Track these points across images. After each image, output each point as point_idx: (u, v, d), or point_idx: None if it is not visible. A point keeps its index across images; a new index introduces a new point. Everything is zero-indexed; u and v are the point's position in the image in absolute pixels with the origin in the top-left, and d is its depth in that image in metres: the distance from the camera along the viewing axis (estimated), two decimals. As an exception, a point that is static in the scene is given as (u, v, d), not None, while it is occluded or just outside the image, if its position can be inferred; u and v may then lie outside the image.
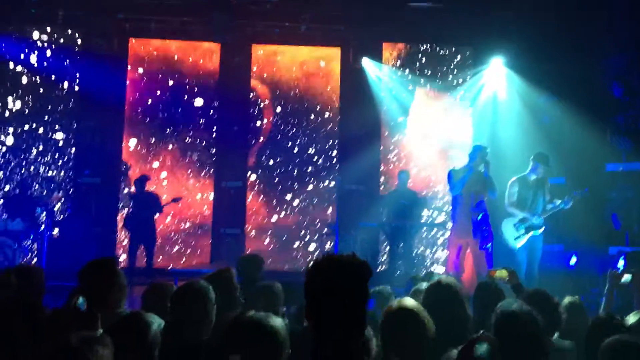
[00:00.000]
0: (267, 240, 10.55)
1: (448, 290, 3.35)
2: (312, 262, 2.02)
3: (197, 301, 3.08)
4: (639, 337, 2.89)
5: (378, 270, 9.91)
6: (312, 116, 10.82)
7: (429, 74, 10.68)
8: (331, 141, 10.76)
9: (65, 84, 10.29)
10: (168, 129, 10.60)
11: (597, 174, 8.44)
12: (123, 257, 9.42)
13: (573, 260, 7.95)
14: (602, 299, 4.38)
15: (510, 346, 2.53)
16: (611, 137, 8.57)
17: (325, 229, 9.89)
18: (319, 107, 10.81)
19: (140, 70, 10.59)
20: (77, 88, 10.24)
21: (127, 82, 10.47)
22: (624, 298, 4.52)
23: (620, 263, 6.91)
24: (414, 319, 2.83)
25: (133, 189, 9.38)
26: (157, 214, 9.26)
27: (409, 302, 2.97)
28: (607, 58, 8.67)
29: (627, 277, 4.10)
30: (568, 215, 7.56)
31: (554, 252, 8.17)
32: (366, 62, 10.38)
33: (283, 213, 10.64)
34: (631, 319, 3.53)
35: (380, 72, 10.45)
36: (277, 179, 10.71)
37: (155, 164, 10.49)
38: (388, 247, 9.50)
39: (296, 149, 10.75)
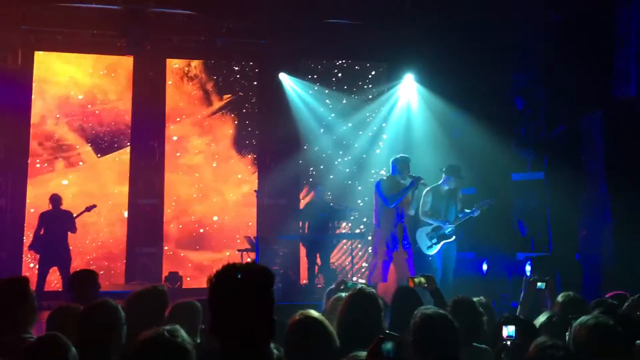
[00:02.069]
0: (186, 257, 10.30)
1: (370, 299, 3.41)
2: (211, 275, 1.91)
3: (106, 321, 2.95)
4: (550, 335, 3.05)
5: (301, 283, 9.92)
6: (231, 130, 10.74)
7: (345, 88, 10.89)
8: (250, 155, 10.71)
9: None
10: (78, 146, 10.19)
11: (504, 183, 8.85)
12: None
13: (485, 266, 8.30)
14: (513, 303, 4.60)
15: (427, 348, 2.60)
16: (515, 148, 9.02)
17: (246, 244, 9.78)
18: (236, 121, 10.76)
19: (48, 84, 10.12)
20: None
21: (33, 97, 9.97)
22: (534, 301, 4.75)
23: (527, 268, 7.29)
24: (318, 329, 2.81)
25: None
26: (71, 232, 8.82)
27: (313, 312, 2.97)
28: (512, 73, 9.15)
29: (541, 284, 4.31)
30: (479, 224, 7.88)
31: (467, 260, 8.50)
32: (283, 77, 10.45)
33: (202, 230, 10.45)
34: (541, 318, 3.73)
35: (298, 87, 10.54)
36: (194, 194, 10.52)
37: (65, 182, 10.03)
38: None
39: (215, 164, 10.62)
